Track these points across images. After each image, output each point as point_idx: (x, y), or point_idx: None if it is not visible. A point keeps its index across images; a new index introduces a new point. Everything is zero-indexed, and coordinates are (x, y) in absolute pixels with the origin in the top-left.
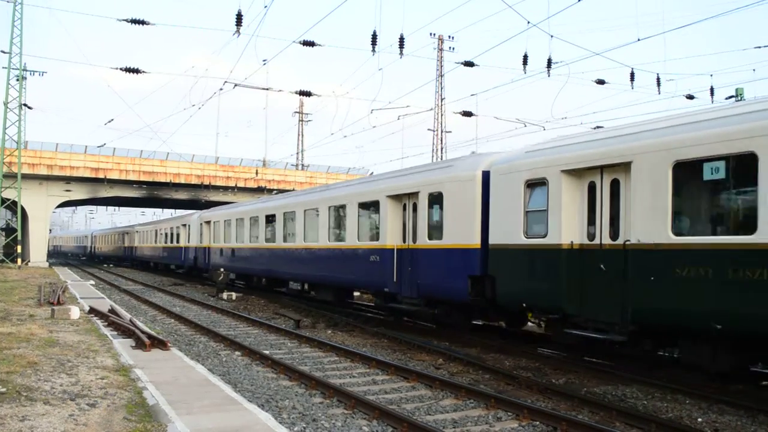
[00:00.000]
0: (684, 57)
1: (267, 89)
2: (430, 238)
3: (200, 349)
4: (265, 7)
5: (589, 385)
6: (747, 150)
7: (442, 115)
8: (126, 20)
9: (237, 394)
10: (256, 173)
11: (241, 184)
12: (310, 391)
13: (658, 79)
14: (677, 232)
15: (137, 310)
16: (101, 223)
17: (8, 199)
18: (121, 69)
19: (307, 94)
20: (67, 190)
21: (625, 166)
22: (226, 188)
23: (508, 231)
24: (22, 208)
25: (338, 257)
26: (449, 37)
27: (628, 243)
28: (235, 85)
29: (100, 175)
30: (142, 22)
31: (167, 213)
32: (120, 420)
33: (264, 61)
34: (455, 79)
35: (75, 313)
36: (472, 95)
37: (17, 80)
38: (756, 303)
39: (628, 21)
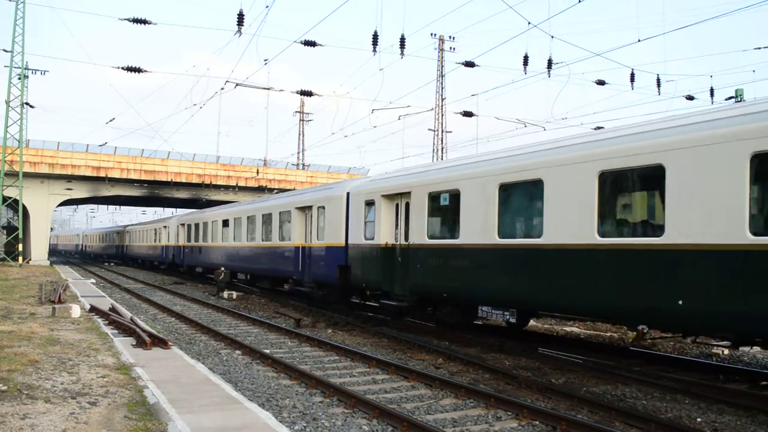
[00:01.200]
0: (684, 58)
1: (268, 89)
2: (318, 239)
3: (201, 347)
4: (267, 7)
5: (588, 385)
6: (455, 188)
7: (442, 115)
8: (128, 19)
9: (237, 393)
10: (257, 173)
11: (242, 184)
12: (310, 390)
13: (658, 80)
14: (430, 236)
15: (138, 309)
16: (102, 221)
17: (10, 198)
18: (122, 68)
19: (308, 93)
20: (69, 189)
21: (409, 194)
22: (227, 187)
23: (357, 234)
24: (24, 207)
25: (267, 253)
26: (450, 37)
27: (410, 243)
28: (237, 84)
29: (102, 174)
30: (144, 22)
31: (168, 212)
32: (121, 418)
33: (265, 60)
34: (456, 80)
35: (76, 311)
36: (472, 95)
37: (19, 79)
38: (459, 280)
39: (629, 22)
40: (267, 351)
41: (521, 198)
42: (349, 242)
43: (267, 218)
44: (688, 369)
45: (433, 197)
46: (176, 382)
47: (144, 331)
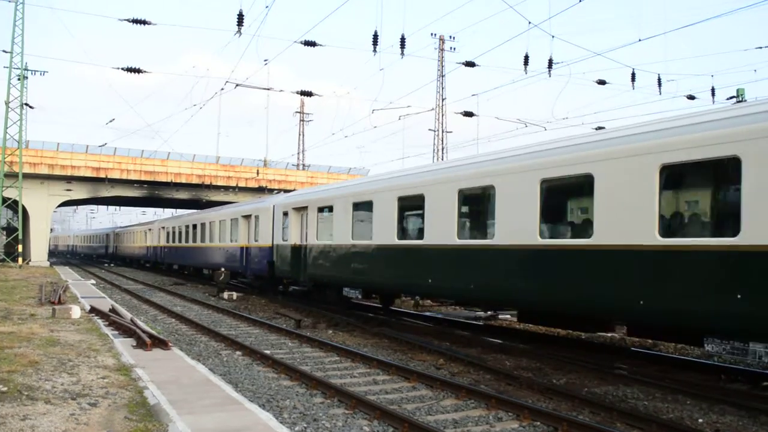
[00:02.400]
0: (685, 57)
1: (268, 89)
2: (255, 240)
3: (201, 348)
4: (267, 7)
5: (590, 386)
6: (331, 204)
7: (443, 115)
8: (127, 20)
9: (238, 394)
10: (257, 173)
11: (242, 184)
12: (311, 391)
13: (659, 80)
14: (318, 239)
15: (138, 310)
16: (102, 222)
17: (9, 199)
18: (122, 69)
19: (308, 94)
20: (68, 190)
21: (307, 208)
22: (227, 188)
23: (279, 237)
24: (24, 208)
25: (224, 251)
26: (450, 37)
27: (308, 244)
28: (237, 85)
29: (101, 175)
30: (144, 22)
31: (168, 213)
32: (121, 419)
33: (265, 61)
34: (456, 80)
35: (76, 312)
36: (473, 95)
37: (18, 80)
38: (333, 270)
39: (629, 21)
40: (267, 352)
41: (363, 214)
42: (275, 243)
43: (223, 224)
44: (689, 369)
45: (320, 210)
46: (177, 383)
47: (144, 332)
